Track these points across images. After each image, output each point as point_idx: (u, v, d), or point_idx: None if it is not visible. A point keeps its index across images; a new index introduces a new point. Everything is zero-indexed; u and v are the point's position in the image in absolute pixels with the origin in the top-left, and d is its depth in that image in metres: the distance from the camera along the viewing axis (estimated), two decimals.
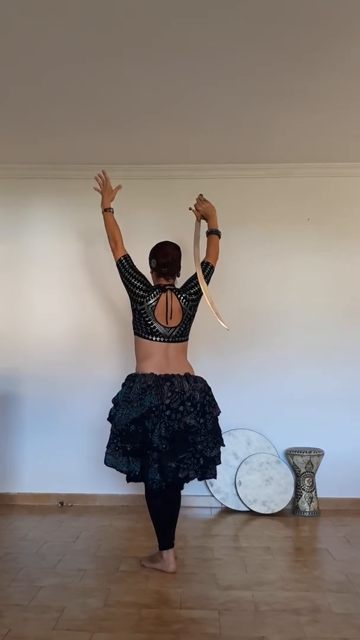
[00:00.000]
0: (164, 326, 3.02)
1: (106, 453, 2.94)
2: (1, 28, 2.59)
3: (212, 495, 4.17)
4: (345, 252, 4.34)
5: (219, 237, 3.33)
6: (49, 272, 4.40)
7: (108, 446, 2.94)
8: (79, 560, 3.13)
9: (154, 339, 3.01)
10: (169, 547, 2.97)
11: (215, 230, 3.33)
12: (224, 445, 3.11)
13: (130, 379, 2.99)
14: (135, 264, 3.14)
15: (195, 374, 3.10)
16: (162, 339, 3.01)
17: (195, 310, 3.17)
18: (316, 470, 4.09)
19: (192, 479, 2.97)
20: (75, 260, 4.37)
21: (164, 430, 2.84)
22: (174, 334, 3.04)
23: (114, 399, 3.01)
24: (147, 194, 4.39)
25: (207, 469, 3.00)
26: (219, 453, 3.05)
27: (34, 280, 4.40)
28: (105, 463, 2.94)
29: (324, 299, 4.31)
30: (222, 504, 4.15)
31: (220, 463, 3.06)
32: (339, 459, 4.18)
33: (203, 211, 3.35)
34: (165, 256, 3.10)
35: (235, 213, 4.37)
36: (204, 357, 4.22)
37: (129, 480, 2.95)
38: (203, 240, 3.32)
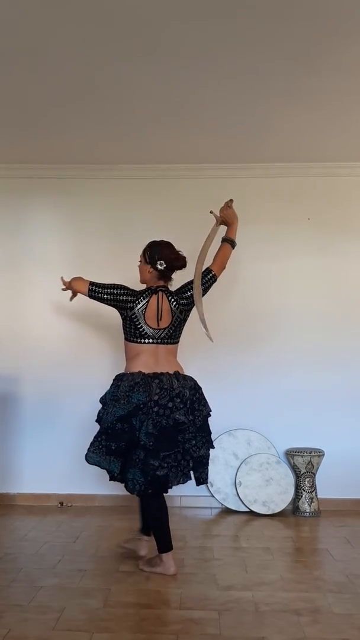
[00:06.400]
0: (153, 328, 3.00)
1: (88, 450, 2.93)
2: (2, 28, 2.59)
3: (212, 496, 4.17)
4: (346, 252, 4.34)
5: (233, 248, 3.26)
6: (48, 272, 4.38)
7: (92, 444, 2.93)
8: (78, 560, 3.13)
9: (142, 341, 2.99)
10: (168, 549, 2.94)
11: (232, 240, 3.26)
12: (213, 447, 3.06)
13: (118, 378, 2.99)
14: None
15: (187, 374, 3.09)
16: (151, 341, 3.00)
17: (187, 315, 3.13)
18: (316, 470, 4.08)
19: (174, 481, 2.89)
20: (75, 260, 4.36)
21: (152, 426, 2.80)
22: (162, 335, 3.02)
23: (101, 398, 3.00)
24: (147, 194, 4.39)
25: (196, 471, 2.96)
26: (207, 454, 3.00)
27: (33, 280, 4.39)
28: (87, 460, 2.93)
29: (324, 298, 4.31)
30: (222, 504, 4.15)
31: (207, 465, 3.01)
32: (339, 459, 4.18)
33: (225, 217, 3.26)
34: (178, 259, 3.06)
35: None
36: (204, 356, 4.22)
37: (111, 479, 2.95)
38: (214, 247, 3.26)
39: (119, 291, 3.02)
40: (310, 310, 4.31)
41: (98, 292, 3.04)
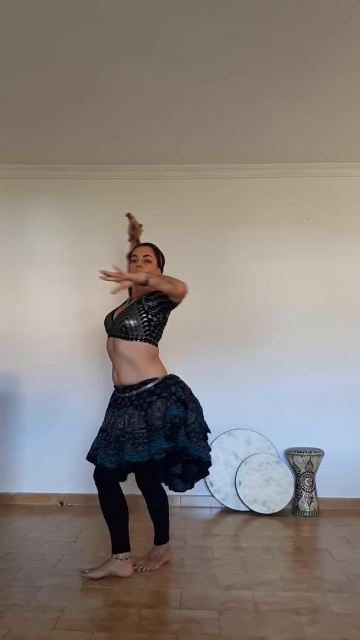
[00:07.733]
0: None
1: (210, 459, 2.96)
2: (2, 29, 2.60)
3: (212, 495, 4.17)
4: (345, 252, 4.34)
5: None
6: (49, 272, 4.40)
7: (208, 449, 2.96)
8: (78, 560, 3.13)
9: (158, 344, 3.00)
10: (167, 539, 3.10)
11: None
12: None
13: (172, 380, 2.90)
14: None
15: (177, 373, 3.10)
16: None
17: None
18: (316, 470, 4.08)
19: None
20: (75, 260, 4.37)
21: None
22: None
23: (181, 400, 2.85)
24: (146, 194, 4.39)
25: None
26: None
27: (34, 280, 4.40)
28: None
29: (324, 298, 4.31)
30: (222, 504, 4.15)
31: None
32: (339, 459, 4.18)
33: (138, 235, 3.39)
34: None
35: (235, 213, 4.38)
36: (203, 356, 4.22)
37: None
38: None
39: None
40: (310, 309, 4.31)
41: None
